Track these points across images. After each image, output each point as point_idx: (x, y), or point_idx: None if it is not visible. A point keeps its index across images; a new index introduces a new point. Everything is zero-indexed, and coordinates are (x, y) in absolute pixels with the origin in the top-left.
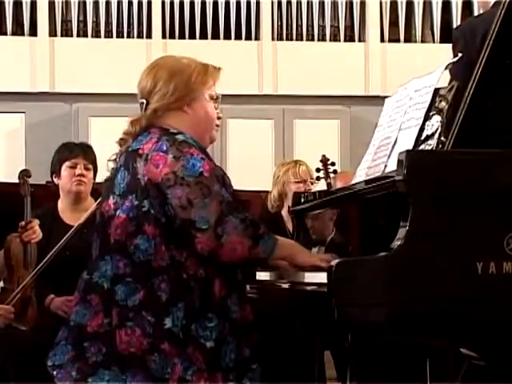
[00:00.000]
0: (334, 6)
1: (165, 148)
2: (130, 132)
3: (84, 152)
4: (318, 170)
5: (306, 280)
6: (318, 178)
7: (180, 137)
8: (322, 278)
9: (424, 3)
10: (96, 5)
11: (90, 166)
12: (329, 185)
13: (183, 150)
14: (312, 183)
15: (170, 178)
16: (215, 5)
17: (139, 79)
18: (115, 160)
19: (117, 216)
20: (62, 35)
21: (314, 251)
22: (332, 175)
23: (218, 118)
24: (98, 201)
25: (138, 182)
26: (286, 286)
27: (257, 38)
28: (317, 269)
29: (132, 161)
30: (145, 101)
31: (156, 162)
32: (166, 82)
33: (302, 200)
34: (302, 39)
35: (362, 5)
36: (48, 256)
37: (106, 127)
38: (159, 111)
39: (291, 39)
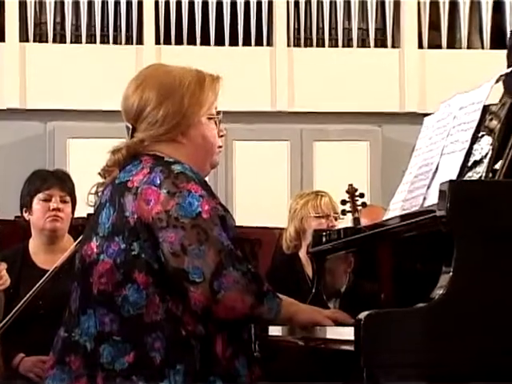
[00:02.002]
0: (363, 4)
1: (158, 181)
2: (115, 162)
3: (60, 181)
4: (343, 203)
5: (329, 336)
6: (344, 213)
7: (177, 167)
8: (347, 333)
9: (471, 2)
10: (76, 4)
11: (68, 199)
12: (356, 220)
13: (179, 184)
14: (336, 219)
15: (162, 218)
16: (219, 4)
17: (124, 94)
18: (97, 193)
19: (101, 262)
20: (34, 40)
21: (330, 305)
22: (360, 209)
23: (221, 136)
24: (77, 240)
25: (126, 221)
26: (302, 343)
27: (269, 44)
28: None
29: (119, 195)
30: (131, 126)
31: (147, 197)
32: (154, 107)
33: (324, 239)
34: (323, 45)
35: (397, 4)
36: (17, 306)
37: (87, 151)
38: (146, 141)
39: (310, 45)
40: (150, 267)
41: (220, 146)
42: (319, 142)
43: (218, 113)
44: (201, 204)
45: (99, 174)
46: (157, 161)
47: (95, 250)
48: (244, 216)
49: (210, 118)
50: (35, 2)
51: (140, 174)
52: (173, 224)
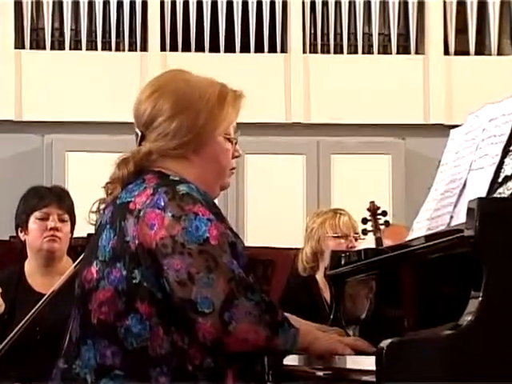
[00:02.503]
0: (384, 8)
1: (162, 203)
2: (118, 177)
3: (58, 199)
4: (364, 222)
5: (348, 366)
6: (365, 232)
7: (182, 188)
8: (369, 363)
9: (501, 4)
10: (75, 8)
11: (66, 217)
12: (378, 241)
13: (185, 206)
14: (356, 239)
15: (167, 245)
16: (229, 7)
17: (137, 99)
18: (98, 211)
19: (101, 289)
20: (31, 47)
21: (350, 332)
22: (383, 228)
23: (235, 157)
24: (76, 262)
25: (127, 246)
26: (320, 373)
27: (283, 51)
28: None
29: (120, 217)
30: (140, 133)
31: (150, 221)
32: (166, 119)
33: (343, 261)
34: (341, 51)
35: (420, 6)
36: (12, 333)
37: (87, 165)
38: (154, 154)
39: (328, 52)
40: (153, 296)
41: (233, 168)
42: (337, 155)
43: (236, 132)
44: (209, 229)
45: (104, 188)
46: (161, 180)
47: (95, 275)
48: (256, 235)
49: (226, 138)
50: (31, 6)
51: (143, 194)
52: (179, 250)
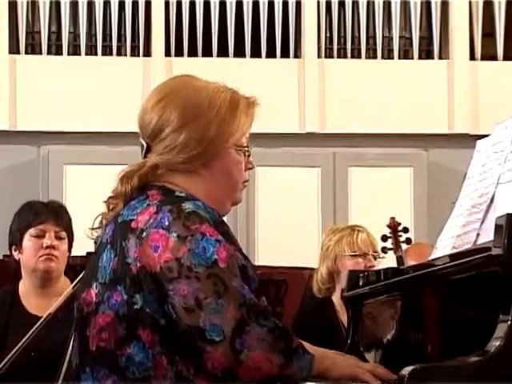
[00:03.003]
0: (405, 9)
1: (166, 223)
2: (120, 192)
3: (55, 215)
4: (383, 239)
5: None
6: (385, 251)
7: (188, 206)
8: None
9: None
10: (74, 9)
11: (64, 235)
12: (399, 260)
13: (191, 226)
14: (375, 258)
15: (173, 268)
16: (239, 8)
17: (142, 107)
18: (100, 227)
19: (101, 313)
20: (26, 52)
21: (368, 357)
22: (404, 246)
23: (248, 169)
24: (74, 282)
25: (128, 269)
26: None
27: (297, 56)
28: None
29: (121, 237)
30: (145, 144)
31: (154, 242)
32: (174, 130)
33: (361, 281)
34: (359, 56)
35: (444, 7)
36: (6, 359)
37: (86, 179)
38: (161, 168)
39: (345, 56)
40: (156, 323)
41: (246, 181)
42: (355, 167)
43: (248, 144)
44: (217, 250)
45: (105, 203)
46: (165, 196)
47: (94, 298)
48: (268, 254)
49: (238, 150)
50: (27, 7)
51: (145, 212)
52: (185, 274)
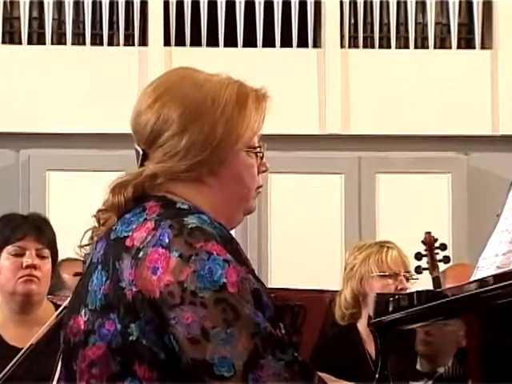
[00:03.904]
0: None
1: (167, 240)
2: (113, 204)
3: (37, 230)
4: (417, 257)
5: None
6: (419, 271)
7: (192, 220)
8: None
9: None
10: None
11: (46, 252)
12: (436, 281)
13: (196, 244)
14: (408, 279)
15: (174, 293)
16: None
17: (135, 108)
18: (90, 244)
19: (91, 345)
20: (3, 41)
21: None
22: (442, 265)
23: (263, 172)
24: (60, 308)
25: (122, 295)
26: None
27: (316, 45)
28: None
29: (114, 257)
30: (141, 151)
31: (152, 263)
32: (175, 133)
33: (391, 306)
34: (389, 46)
35: None
36: None
37: (72, 187)
38: (160, 177)
39: (371, 46)
40: (155, 357)
41: (259, 187)
42: (383, 174)
43: (261, 143)
44: (226, 272)
45: (94, 217)
46: (165, 209)
47: (83, 327)
48: (283, 275)
49: (249, 151)
50: None
51: (142, 228)
52: (189, 300)
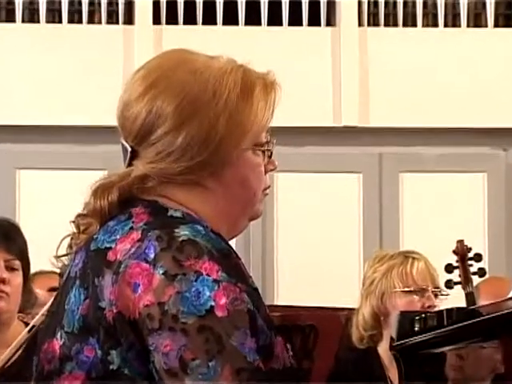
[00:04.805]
0: None
1: (152, 255)
2: (95, 209)
3: (5, 237)
4: (448, 270)
5: None
6: (449, 285)
7: (183, 231)
8: None
9: None
10: None
11: (17, 264)
12: (470, 297)
13: (185, 261)
14: (436, 295)
15: (154, 315)
16: None
17: (123, 98)
18: (68, 254)
19: (67, 373)
20: None
21: None
22: (476, 279)
23: (270, 171)
24: (29, 326)
25: (102, 316)
26: None
27: (330, 23)
28: None
29: (94, 272)
30: (130, 148)
31: (133, 278)
32: (170, 129)
33: (417, 326)
34: (414, 24)
35: None
36: None
37: (47, 188)
38: (152, 180)
39: (394, 24)
40: None
41: (267, 188)
42: (408, 173)
43: (269, 139)
44: (215, 295)
45: (73, 224)
46: (155, 217)
47: (59, 352)
48: (291, 290)
49: (256, 149)
50: None
51: (127, 239)
52: (169, 325)
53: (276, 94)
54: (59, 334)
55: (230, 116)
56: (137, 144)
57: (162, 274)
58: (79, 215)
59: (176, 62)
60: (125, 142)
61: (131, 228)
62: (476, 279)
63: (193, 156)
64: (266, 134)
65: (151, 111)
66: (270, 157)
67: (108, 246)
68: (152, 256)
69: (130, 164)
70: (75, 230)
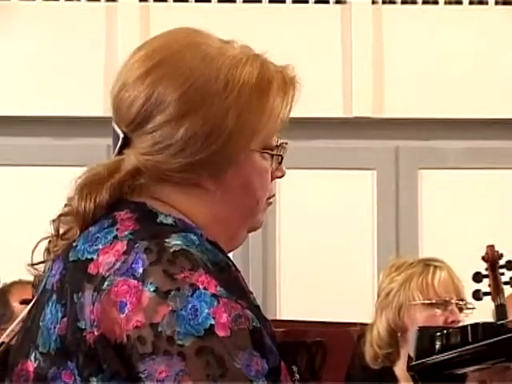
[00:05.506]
0: None
1: (140, 269)
2: (77, 210)
3: None
4: (476, 279)
5: None
6: (478, 297)
7: (175, 241)
8: None
9: None
10: None
11: None
12: (500, 310)
13: (178, 274)
14: (461, 308)
15: (146, 338)
16: None
17: (120, 79)
18: (46, 262)
19: None
20: None
21: None
22: (508, 289)
23: (278, 177)
24: None
25: (81, 338)
26: None
27: (339, 0)
28: None
29: (73, 287)
30: (122, 134)
31: (120, 297)
32: (171, 118)
33: (438, 344)
34: (435, 1)
35: None
36: None
37: (18, 186)
38: (144, 175)
39: (412, 1)
40: None
41: (271, 197)
42: (428, 170)
43: (279, 143)
44: (214, 312)
45: (52, 224)
46: (142, 224)
47: (33, 375)
48: (296, 303)
49: (266, 153)
50: None
51: (111, 250)
52: (164, 349)
53: (295, 92)
54: (33, 354)
55: (241, 112)
56: (131, 131)
57: (153, 291)
58: (61, 215)
59: (185, 44)
60: (117, 127)
61: (115, 237)
62: (508, 289)
63: (194, 152)
64: (278, 138)
65: (151, 97)
66: (279, 163)
67: (89, 257)
68: (140, 271)
69: (120, 152)
70: (54, 232)
